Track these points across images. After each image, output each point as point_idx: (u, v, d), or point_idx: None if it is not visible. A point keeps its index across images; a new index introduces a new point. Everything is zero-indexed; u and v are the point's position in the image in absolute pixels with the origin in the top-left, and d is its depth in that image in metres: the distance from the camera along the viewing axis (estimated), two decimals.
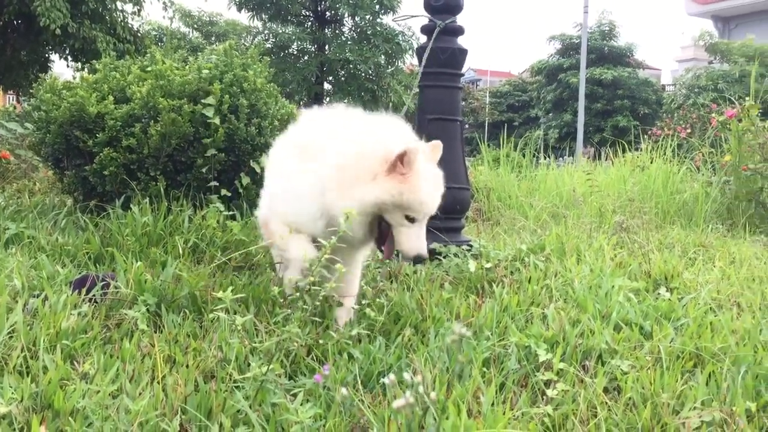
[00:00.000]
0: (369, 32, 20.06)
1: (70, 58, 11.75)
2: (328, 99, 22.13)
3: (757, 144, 6.40)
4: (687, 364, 2.41)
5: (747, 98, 6.83)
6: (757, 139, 6.42)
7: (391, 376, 1.33)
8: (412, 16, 4.50)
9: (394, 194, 2.33)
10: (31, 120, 4.89)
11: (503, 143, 9.33)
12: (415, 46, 20.20)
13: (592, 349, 2.49)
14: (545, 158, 10.80)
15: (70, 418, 1.84)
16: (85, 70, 11.45)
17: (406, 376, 1.22)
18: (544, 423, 1.99)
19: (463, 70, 4.76)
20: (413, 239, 2.35)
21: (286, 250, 2.67)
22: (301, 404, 1.96)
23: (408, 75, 20.73)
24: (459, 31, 4.51)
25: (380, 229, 2.49)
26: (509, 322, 2.80)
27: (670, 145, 8.04)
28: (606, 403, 2.07)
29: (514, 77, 45.62)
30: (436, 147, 2.52)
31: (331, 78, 21.16)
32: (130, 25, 12.23)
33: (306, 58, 20.53)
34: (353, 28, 20.79)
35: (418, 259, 2.35)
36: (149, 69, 4.74)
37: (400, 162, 2.32)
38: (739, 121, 6.69)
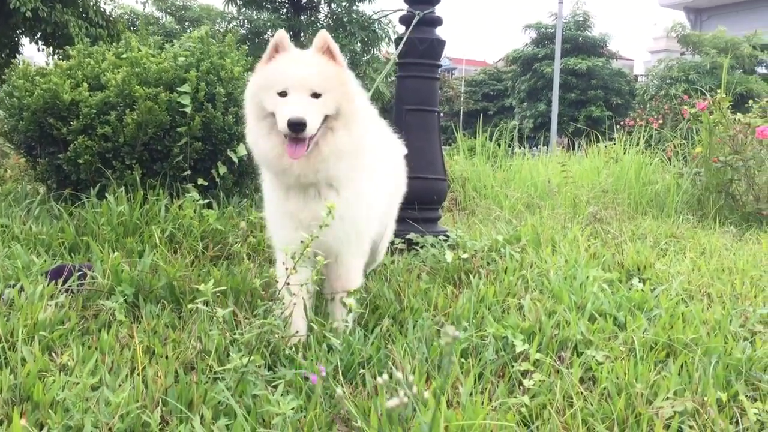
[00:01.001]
0: (345, 19, 19.95)
1: (41, 42, 11.55)
2: None
3: (728, 136, 6.50)
4: (660, 355, 2.46)
5: (718, 90, 6.92)
6: (728, 131, 6.52)
7: (385, 375, 1.35)
8: (393, 12, 4.50)
9: (262, 75, 2.47)
10: (3, 106, 4.81)
11: (479, 132, 9.37)
12: (391, 34, 20.15)
13: (567, 339, 2.53)
14: (520, 148, 10.87)
15: (50, 411, 1.84)
16: (57, 55, 11.27)
17: (398, 375, 1.23)
18: (521, 413, 2.03)
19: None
20: (285, 111, 2.30)
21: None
22: (282, 395, 1.98)
23: (384, 62, 20.66)
24: (437, 21, 4.52)
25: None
26: (486, 313, 2.84)
27: (643, 136, 8.14)
28: (582, 393, 2.11)
29: (490, 66, 45.72)
30: (322, 36, 2.49)
31: None
32: (102, 10, 12.04)
33: None
34: (329, 15, 20.65)
35: (292, 126, 2.27)
36: (124, 56, 4.70)
37: (275, 51, 2.49)
38: (711, 113, 6.78)
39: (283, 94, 2.37)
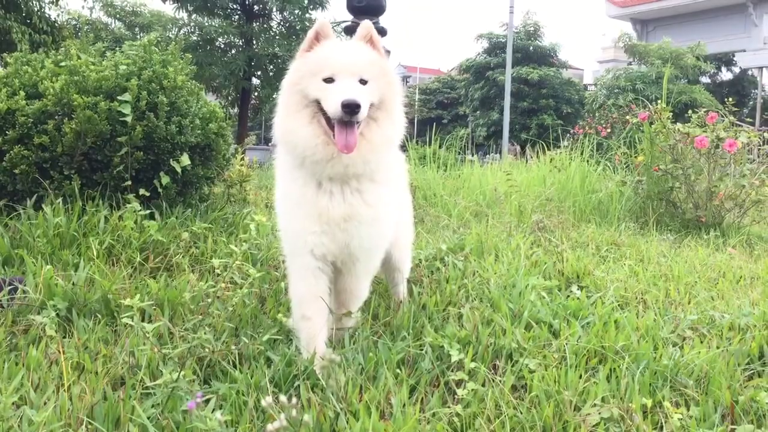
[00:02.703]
0: (298, 27, 19.85)
1: None
2: (256, 94, 21.83)
3: (668, 145, 6.67)
4: (591, 362, 2.51)
5: (659, 101, 7.10)
6: (668, 140, 6.69)
7: (268, 398, 1.34)
8: (338, 23, 4.53)
9: (304, 62, 2.41)
10: None
11: (429, 141, 9.42)
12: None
13: (502, 348, 2.56)
14: (472, 155, 10.97)
15: None
16: None
17: (282, 398, 1.23)
18: (453, 423, 2.05)
19: (394, 66, 4.83)
20: (335, 95, 2.26)
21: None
22: (213, 410, 1.96)
23: None
24: (382, 32, 4.55)
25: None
26: (426, 322, 2.85)
27: (588, 146, 8.29)
28: (512, 401, 2.14)
29: (443, 74, 46.08)
30: (365, 25, 2.50)
31: (259, 73, 20.86)
32: (47, 15, 11.77)
33: (233, 52, 20.18)
34: (282, 23, 20.56)
35: (346, 107, 2.21)
36: (63, 64, 4.60)
37: (315, 39, 2.43)
38: (651, 123, 6.95)
39: (329, 80, 2.32)
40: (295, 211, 2.49)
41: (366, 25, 2.49)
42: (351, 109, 2.22)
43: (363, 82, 2.35)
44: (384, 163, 2.50)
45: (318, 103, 2.35)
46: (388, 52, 4.63)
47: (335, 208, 2.43)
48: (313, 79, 2.35)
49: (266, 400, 1.33)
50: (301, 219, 2.46)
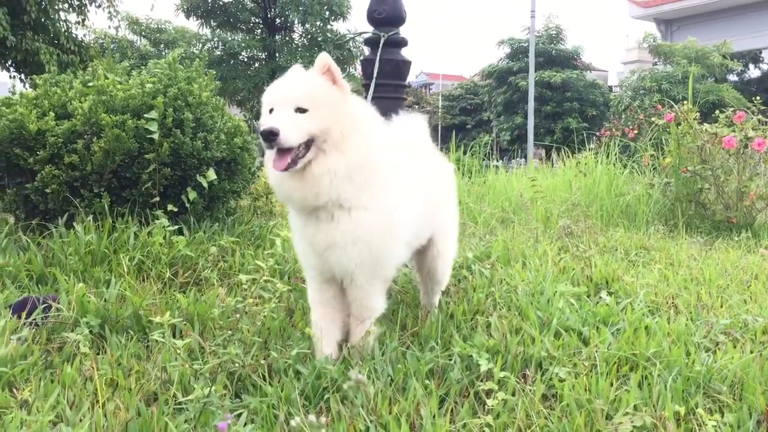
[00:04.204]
0: (320, 39, 20.04)
1: (12, 69, 11.45)
2: None
3: (696, 146, 6.59)
4: (623, 369, 2.49)
5: (685, 101, 7.02)
6: (696, 141, 6.61)
7: (297, 419, 1.35)
8: (357, 34, 4.55)
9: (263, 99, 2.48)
10: None
11: (453, 148, 9.40)
12: (366, 52, 20.25)
13: (532, 357, 2.55)
14: (497, 161, 10.93)
15: None
16: (29, 81, 11.16)
17: (313, 418, 1.24)
18: None
19: (417, 73, 4.88)
20: (265, 124, 2.29)
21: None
22: (245, 425, 1.98)
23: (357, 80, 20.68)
24: (402, 43, 4.57)
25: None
26: (454, 332, 2.85)
27: (614, 150, 8.21)
28: (542, 411, 2.13)
29: (466, 80, 46.00)
30: (321, 57, 2.48)
31: None
32: (74, 36, 11.96)
33: (257, 65, 20.41)
34: (303, 35, 20.75)
35: (264, 136, 2.24)
36: (91, 84, 4.68)
37: None
38: (678, 124, 6.87)
39: (272, 112, 2.37)
40: (297, 238, 2.67)
41: (323, 57, 2.49)
42: (265, 136, 2.26)
43: (301, 110, 2.34)
44: (350, 191, 2.45)
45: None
46: (408, 62, 4.64)
47: (318, 235, 2.51)
48: (265, 113, 2.41)
49: (295, 421, 1.34)
50: (299, 241, 2.65)
